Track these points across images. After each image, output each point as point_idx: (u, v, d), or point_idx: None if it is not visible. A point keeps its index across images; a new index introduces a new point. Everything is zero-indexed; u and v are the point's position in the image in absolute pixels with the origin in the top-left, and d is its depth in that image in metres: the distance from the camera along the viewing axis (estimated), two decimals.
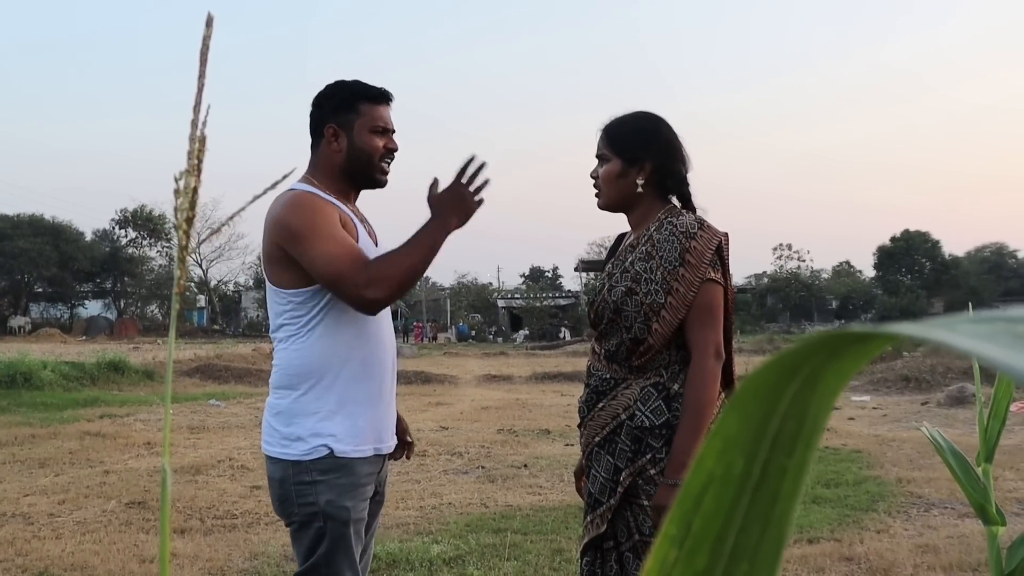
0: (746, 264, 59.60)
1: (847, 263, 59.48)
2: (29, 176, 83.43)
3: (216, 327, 50.14)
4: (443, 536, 4.74)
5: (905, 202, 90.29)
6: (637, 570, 2.06)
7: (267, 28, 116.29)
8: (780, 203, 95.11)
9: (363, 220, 2.28)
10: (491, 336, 48.09)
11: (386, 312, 2.25)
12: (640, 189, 2.16)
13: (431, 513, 5.33)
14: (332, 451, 2.08)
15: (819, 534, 4.71)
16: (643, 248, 2.12)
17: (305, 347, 2.11)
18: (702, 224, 2.10)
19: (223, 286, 56.76)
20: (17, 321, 44.93)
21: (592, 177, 2.24)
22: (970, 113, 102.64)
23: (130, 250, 53.59)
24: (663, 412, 2.06)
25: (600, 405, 2.16)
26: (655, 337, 2.07)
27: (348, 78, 2.28)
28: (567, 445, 7.99)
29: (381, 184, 2.27)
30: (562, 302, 49.90)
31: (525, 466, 6.96)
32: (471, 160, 2.19)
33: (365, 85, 2.25)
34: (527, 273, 67.54)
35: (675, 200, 2.21)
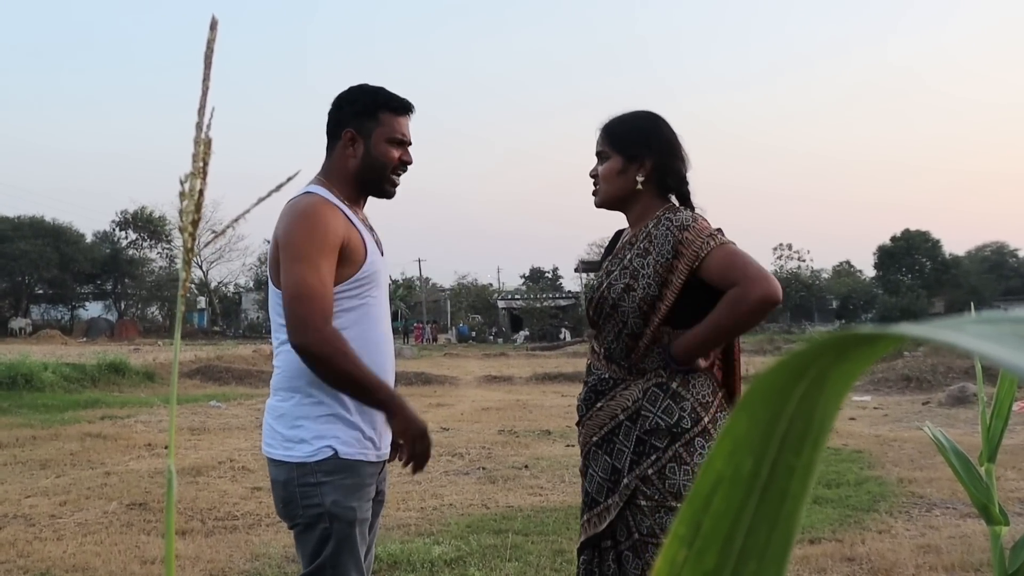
0: None
1: (847, 263, 59.53)
2: (29, 178, 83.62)
3: (216, 329, 50.19)
4: (444, 537, 4.74)
5: (905, 201, 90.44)
6: (636, 569, 2.06)
7: (267, 29, 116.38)
8: (780, 203, 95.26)
9: (371, 229, 2.28)
10: (491, 337, 48.10)
11: (386, 314, 2.26)
12: (639, 186, 2.16)
13: (432, 514, 5.33)
14: (336, 452, 2.08)
15: (821, 534, 4.70)
16: (641, 244, 2.13)
17: None
18: (696, 219, 2.12)
19: (223, 288, 56.83)
20: (18, 323, 44.93)
21: (591, 176, 2.25)
22: (970, 111, 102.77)
23: (130, 252, 53.65)
24: (673, 411, 2.06)
25: (599, 405, 2.16)
26: (653, 330, 2.07)
27: (372, 84, 2.25)
28: (568, 446, 7.98)
29: (389, 196, 2.27)
30: (562, 303, 49.90)
31: (526, 467, 6.96)
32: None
33: (388, 94, 2.24)
34: (527, 274, 67.62)
35: (674, 199, 2.21)
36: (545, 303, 48.92)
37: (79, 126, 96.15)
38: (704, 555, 0.29)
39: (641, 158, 2.16)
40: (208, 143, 0.54)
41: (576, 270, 46.71)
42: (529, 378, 17.44)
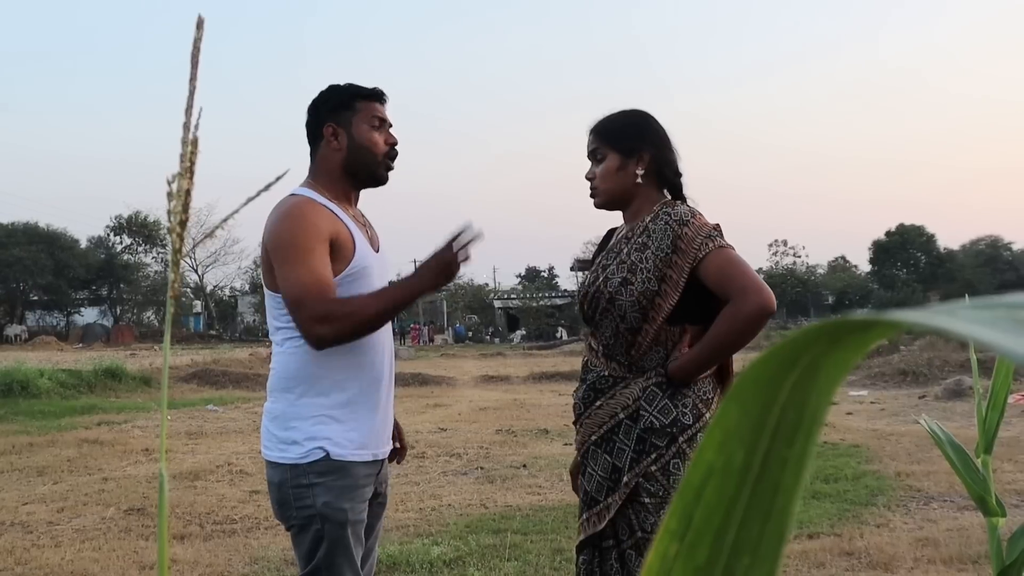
0: None
1: (843, 258, 59.67)
2: (23, 183, 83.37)
3: (213, 332, 50.08)
4: (443, 537, 4.73)
5: (900, 196, 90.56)
6: (640, 567, 2.05)
7: (262, 32, 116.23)
8: (775, 199, 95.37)
9: (365, 225, 2.27)
10: (488, 337, 48.10)
11: None
12: (639, 180, 2.16)
13: (431, 515, 5.33)
14: (328, 453, 2.07)
15: (819, 529, 4.71)
16: (638, 239, 2.13)
17: (301, 351, 2.10)
18: (694, 214, 2.12)
19: (219, 291, 56.74)
20: (13, 329, 44.83)
21: (588, 178, 2.24)
22: (964, 106, 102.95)
23: (125, 257, 53.52)
24: (670, 410, 2.05)
25: (598, 403, 2.15)
26: (651, 325, 2.07)
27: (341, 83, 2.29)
28: (566, 444, 7.98)
29: (383, 180, 2.27)
30: (558, 302, 49.94)
31: (524, 466, 6.96)
32: (465, 230, 2.16)
33: (359, 85, 2.27)
34: (523, 273, 67.60)
35: (667, 193, 2.21)
36: (541, 302, 48.95)
37: (72, 131, 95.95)
38: (696, 549, 0.28)
39: (638, 151, 2.16)
40: (195, 143, 0.53)
41: (572, 269, 46.80)
42: (526, 377, 17.45)
